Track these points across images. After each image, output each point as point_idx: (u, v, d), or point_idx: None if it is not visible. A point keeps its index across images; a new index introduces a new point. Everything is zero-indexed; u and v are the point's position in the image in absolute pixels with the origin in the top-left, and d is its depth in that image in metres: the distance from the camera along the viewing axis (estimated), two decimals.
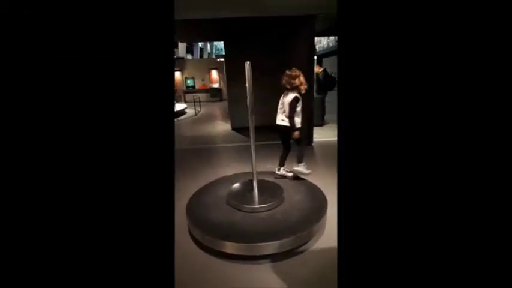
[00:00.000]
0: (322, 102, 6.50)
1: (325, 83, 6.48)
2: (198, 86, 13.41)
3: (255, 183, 2.56)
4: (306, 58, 4.71)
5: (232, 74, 6.55)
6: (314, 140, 5.24)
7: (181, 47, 16.81)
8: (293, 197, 2.56)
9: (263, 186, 2.68)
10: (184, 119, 8.79)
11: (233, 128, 6.82)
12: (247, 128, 6.28)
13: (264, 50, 6.32)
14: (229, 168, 3.92)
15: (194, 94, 11.73)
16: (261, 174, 3.10)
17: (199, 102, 10.62)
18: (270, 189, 2.62)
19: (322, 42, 24.07)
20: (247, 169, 3.56)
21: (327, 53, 20.80)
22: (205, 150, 5.11)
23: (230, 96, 6.80)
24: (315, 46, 5.66)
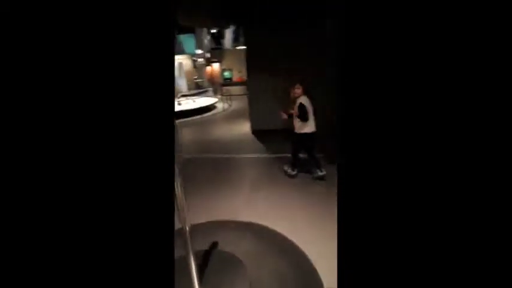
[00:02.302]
0: None
1: None
2: (235, 79, 12.54)
3: (192, 263, 1.47)
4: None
5: (253, 64, 5.41)
6: None
7: (228, 36, 16.07)
8: (263, 283, 1.40)
9: (211, 263, 1.58)
10: (210, 115, 8.13)
11: (253, 131, 5.73)
12: (270, 132, 4.95)
13: (291, 35, 4.98)
14: (222, 201, 2.89)
15: (226, 87, 10.90)
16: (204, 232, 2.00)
17: (230, 96, 9.81)
18: (222, 271, 1.50)
19: None
20: (253, 205, 2.48)
21: None
22: (209, 163, 4.15)
23: (250, 91, 5.70)
24: None
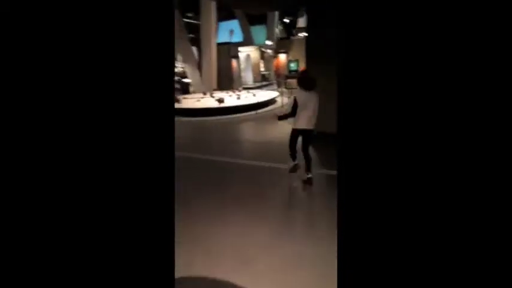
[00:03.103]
0: None
1: None
2: (301, 70, 11.56)
3: None
4: None
5: (312, 56, 4.51)
6: None
7: (302, 25, 15.03)
8: None
9: None
10: (266, 111, 7.60)
11: None
12: (324, 136, 4.18)
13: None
14: (229, 238, 2.28)
15: (290, 80, 10.06)
16: None
17: (292, 89, 8.98)
18: None
19: None
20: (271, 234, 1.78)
21: None
22: (234, 172, 3.58)
23: None
24: None
